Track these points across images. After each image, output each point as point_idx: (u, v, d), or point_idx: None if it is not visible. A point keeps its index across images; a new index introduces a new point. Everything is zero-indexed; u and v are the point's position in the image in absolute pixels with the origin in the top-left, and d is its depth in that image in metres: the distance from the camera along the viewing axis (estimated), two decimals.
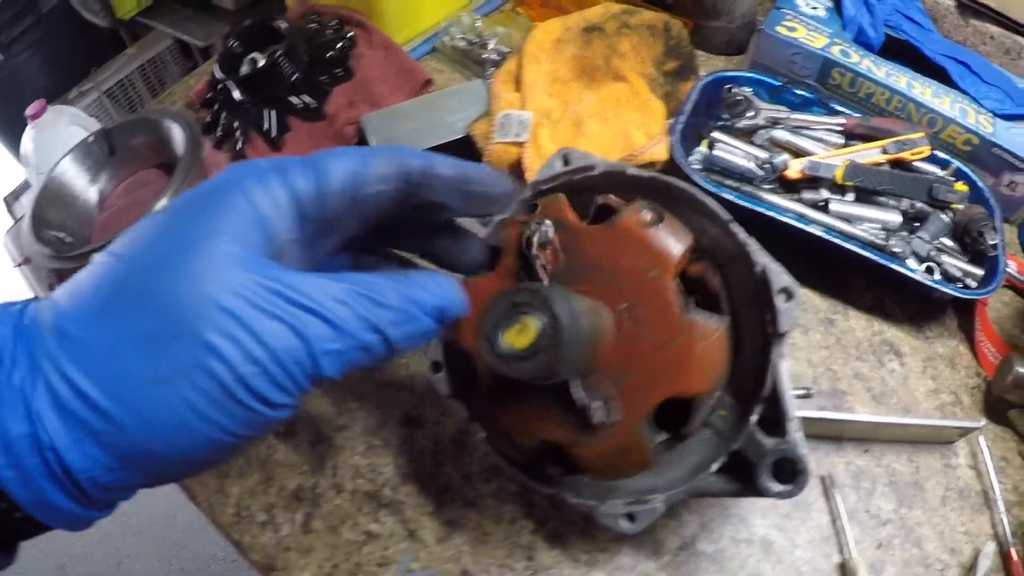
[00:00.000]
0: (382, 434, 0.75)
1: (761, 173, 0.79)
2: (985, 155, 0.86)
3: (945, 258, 0.79)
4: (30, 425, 0.28)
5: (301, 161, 0.39)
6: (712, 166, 0.80)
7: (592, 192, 0.60)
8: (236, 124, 0.90)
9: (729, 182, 0.80)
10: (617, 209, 0.56)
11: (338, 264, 0.47)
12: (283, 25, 0.92)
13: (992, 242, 0.78)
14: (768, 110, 0.84)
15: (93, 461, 0.29)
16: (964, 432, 0.74)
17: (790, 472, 0.53)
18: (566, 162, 0.61)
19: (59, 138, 0.95)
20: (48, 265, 0.81)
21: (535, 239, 0.51)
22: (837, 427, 0.73)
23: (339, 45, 0.95)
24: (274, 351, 0.31)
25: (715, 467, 0.57)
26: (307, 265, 0.41)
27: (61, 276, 0.82)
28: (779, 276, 0.55)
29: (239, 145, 0.90)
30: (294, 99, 0.92)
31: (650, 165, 0.80)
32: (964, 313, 0.83)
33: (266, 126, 0.90)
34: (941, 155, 0.85)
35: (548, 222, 0.52)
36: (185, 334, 0.30)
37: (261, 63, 0.91)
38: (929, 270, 0.78)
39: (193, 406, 0.30)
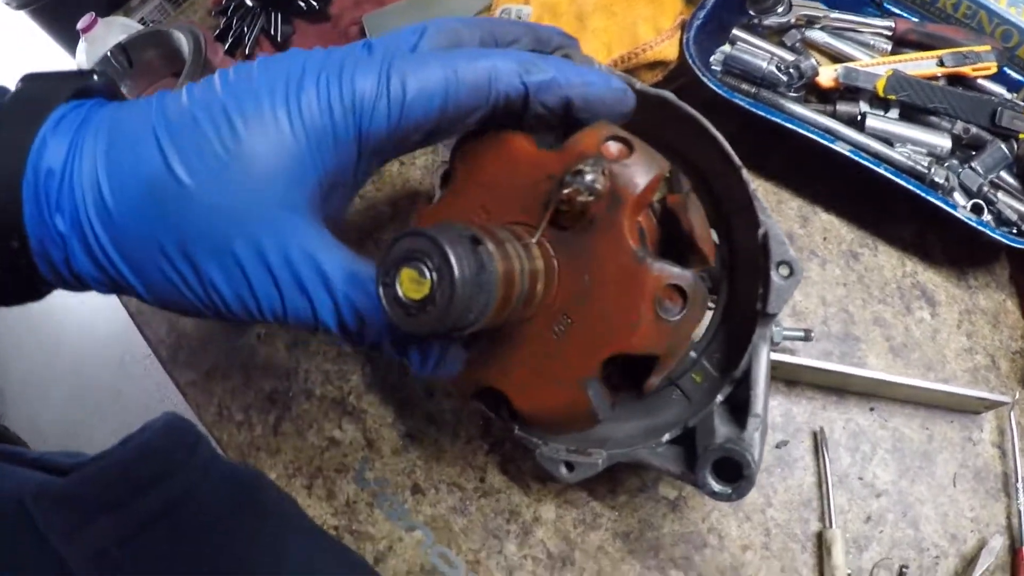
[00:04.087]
0: None
1: (784, 78, 0.64)
2: None
3: (1002, 196, 0.62)
4: (66, 254, 0.34)
5: (378, 75, 0.34)
6: (731, 67, 0.66)
7: None
8: (245, 29, 0.86)
9: (745, 86, 0.65)
10: None
11: None
12: None
13: None
14: (804, 7, 0.67)
15: (107, 291, 0.37)
16: (990, 405, 0.59)
17: (734, 472, 0.43)
18: None
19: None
20: None
21: (576, 192, 0.39)
22: (839, 378, 0.60)
23: None
24: (262, 307, 0.35)
25: (667, 438, 0.49)
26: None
27: None
28: (781, 247, 0.45)
29: (248, 50, 0.86)
30: (300, 2, 0.85)
31: (659, 65, 0.66)
32: (1019, 262, 0.65)
33: (272, 30, 0.85)
34: (1013, 75, 0.66)
35: (590, 175, 0.39)
36: (201, 266, 0.34)
37: None
38: (977, 208, 0.61)
39: (192, 303, 0.35)
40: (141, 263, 0.34)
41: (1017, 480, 0.58)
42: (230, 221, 0.33)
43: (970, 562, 0.57)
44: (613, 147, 0.40)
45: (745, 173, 0.47)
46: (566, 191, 0.38)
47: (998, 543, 0.56)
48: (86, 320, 2.08)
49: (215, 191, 0.33)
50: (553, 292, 0.42)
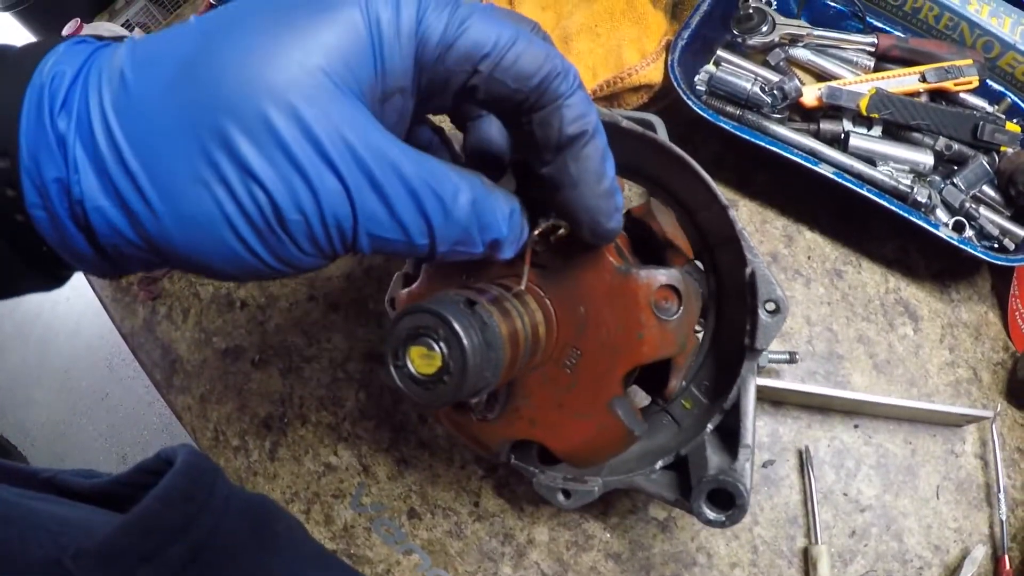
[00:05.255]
0: (347, 367, 0.70)
1: (768, 100, 0.63)
2: None
3: (983, 211, 0.61)
4: (64, 171, 0.26)
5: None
6: (716, 89, 0.65)
7: None
8: None
9: (731, 108, 0.64)
10: None
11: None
12: None
13: None
14: (787, 26, 0.65)
15: (114, 231, 0.27)
16: (972, 420, 0.60)
17: (728, 500, 0.45)
18: None
19: None
20: None
21: (550, 228, 0.39)
22: (824, 399, 0.61)
23: None
24: (323, 210, 0.27)
25: (660, 465, 0.49)
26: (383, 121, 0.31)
27: None
28: (768, 285, 0.45)
29: None
30: None
31: (643, 88, 0.66)
32: (1001, 274, 0.65)
33: None
34: (995, 87, 0.65)
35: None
36: (238, 150, 0.25)
37: None
38: (958, 226, 0.61)
39: (228, 218, 0.26)
40: (166, 168, 0.26)
41: (999, 490, 0.59)
42: (276, 88, 0.25)
43: (953, 572, 0.58)
44: None
45: (732, 212, 0.46)
46: (538, 230, 0.38)
47: (980, 552, 0.57)
48: (74, 322, 2.06)
49: (264, 60, 0.26)
50: (555, 333, 0.42)
